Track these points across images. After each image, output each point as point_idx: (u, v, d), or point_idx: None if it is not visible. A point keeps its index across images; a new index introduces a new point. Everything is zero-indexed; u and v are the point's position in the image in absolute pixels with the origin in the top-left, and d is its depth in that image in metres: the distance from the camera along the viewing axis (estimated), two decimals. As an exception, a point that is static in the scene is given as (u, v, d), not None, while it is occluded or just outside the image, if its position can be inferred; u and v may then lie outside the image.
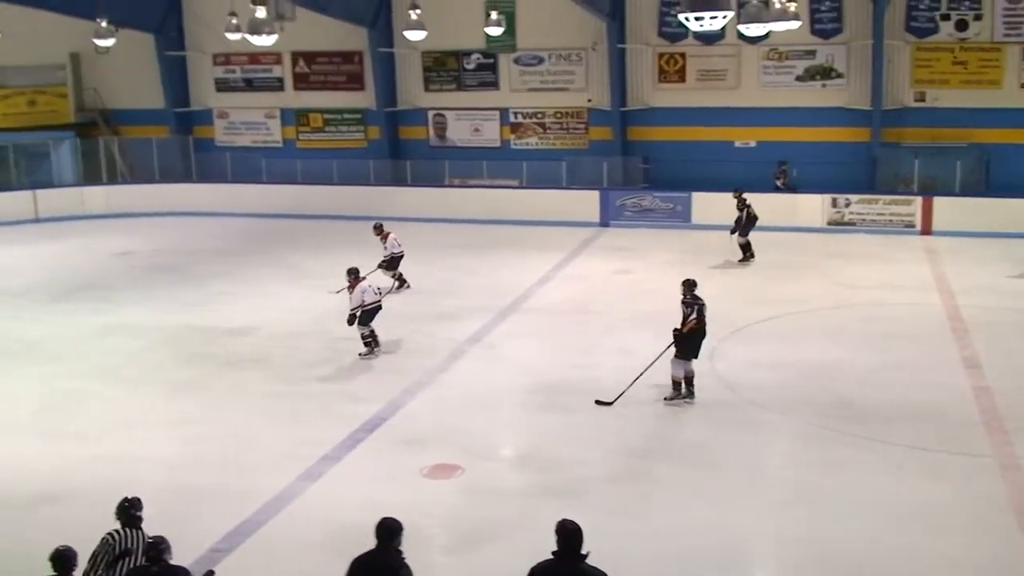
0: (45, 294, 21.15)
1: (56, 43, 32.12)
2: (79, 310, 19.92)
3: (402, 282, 20.98)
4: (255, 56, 31.95)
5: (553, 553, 6.96)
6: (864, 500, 11.09)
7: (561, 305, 19.53)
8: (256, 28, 22.44)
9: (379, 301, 16.71)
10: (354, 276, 16.69)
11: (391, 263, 20.66)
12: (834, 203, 26.45)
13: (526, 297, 20.19)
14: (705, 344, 14.49)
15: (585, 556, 6.89)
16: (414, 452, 12.59)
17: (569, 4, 27.40)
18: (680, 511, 10.99)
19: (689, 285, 14.61)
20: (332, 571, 9.98)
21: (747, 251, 23.05)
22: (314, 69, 32.21)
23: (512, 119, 30.85)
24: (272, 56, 31.84)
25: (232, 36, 26.41)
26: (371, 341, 16.67)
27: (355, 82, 31.94)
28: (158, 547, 7.51)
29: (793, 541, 10.45)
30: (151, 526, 8.29)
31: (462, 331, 17.79)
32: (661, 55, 29.18)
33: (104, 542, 7.92)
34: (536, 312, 19.16)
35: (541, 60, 30.19)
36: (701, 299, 14.49)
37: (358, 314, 16.39)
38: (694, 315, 14.27)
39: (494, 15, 27.19)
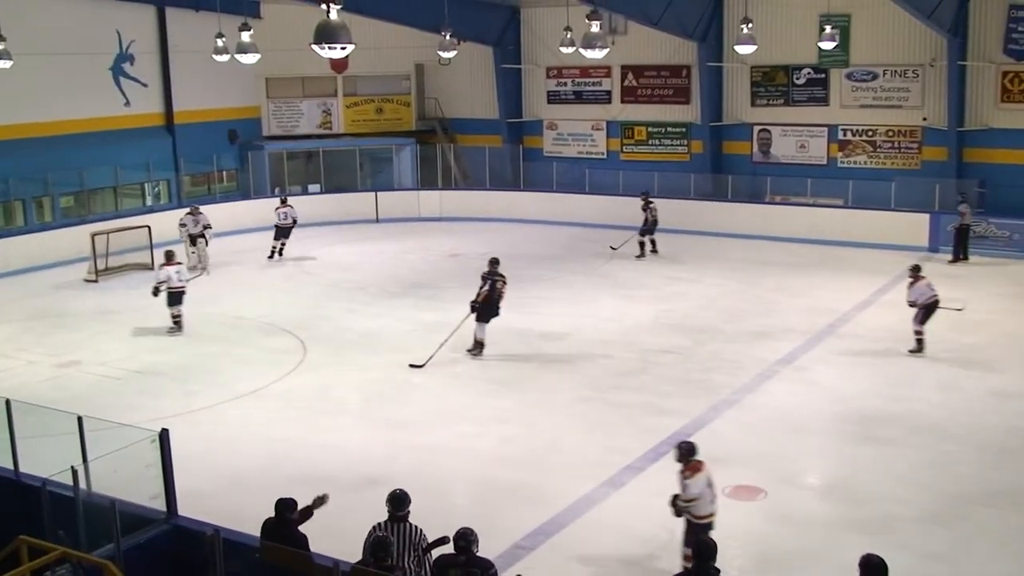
0: (382, 289, 22.75)
1: (403, 55, 34.34)
2: (412, 306, 21.29)
3: (276, 253, 26.41)
4: (586, 70, 32.79)
5: (854, 588, 6.85)
6: None
7: (880, 332, 18.80)
8: (590, 42, 23.11)
9: (183, 287, 19.30)
10: (167, 259, 19.43)
11: (278, 232, 25.39)
12: None
13: (843, 321, 19.60)
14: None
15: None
16: (717, 471, 12.44)
17: (907, 19, 26.27)
18: (998, 563, 10.38)
19: (492, 262, 17.84)
20: (628, 580, 10.27)
21: (644, 248, 25.89)
22: (641, 83, 32.62)
23: (840, 136, 29.94)
24: (602, 69, 32.56)
25: (566, 50, 27.30)
26: (178, 321, 19.32)
27: (681, 96, 32.07)
28: (467, 538, 7.98)
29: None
30: (462, 516, 8.84)
31: (774, 352, 17.55)
32: (1005, 73, 27.32)
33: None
34: (853, 338, 18.56)
35: (875, 76, 29.12)
36: (499, 275, 17.51)
37: (162, 289, 19.12)
38: (486, 288, 17.45)
39: (828, 29, 26.47)
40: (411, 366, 16.95)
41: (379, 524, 8.52)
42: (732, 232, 27.56)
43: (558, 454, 13.36)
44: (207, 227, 25.42)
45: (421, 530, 8.51)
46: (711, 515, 10.02)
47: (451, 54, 28.67)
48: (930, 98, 28.37)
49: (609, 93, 33.25)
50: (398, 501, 8.58)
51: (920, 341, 17.52)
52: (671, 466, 12.79)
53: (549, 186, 32.34)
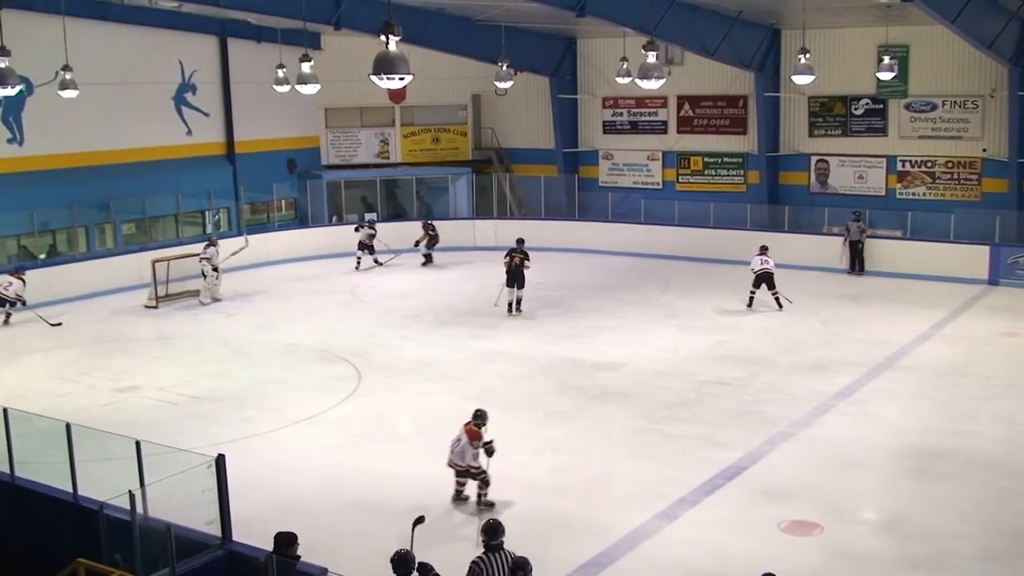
0: (436, 317, 22.85)
1: (460, 85, 34.64)
2: (465, 334, 21.35)
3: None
4: (641, 100, 32.80)
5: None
6: None
7: (939, 365, 18.52)
8: (646, 72, 23.14)
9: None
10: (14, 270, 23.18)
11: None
12: None
13: (902, 354, 19.33)
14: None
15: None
16: (772, 505, 12.46)
17: (967, 48, 25.95)
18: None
19: (517, 241, 23.58)
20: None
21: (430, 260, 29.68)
22: (698, 113, 32.58)
23: (899, 167, 29.65)
24: (658, 100, 32.57)
25: (622, 80, 27.41)
26: None
27: (738, 126, 31.97)
28: (524, 568, 7.99)
29: None
30: (515, 546, 8.83)
31: (831, 384, 17.34)
32: (1062, 103, 26.94)
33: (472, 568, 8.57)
34: (911, 371, 18.29)
35: (934, 106, 28.83)
36: (517, 251, 22.99)
37: None
38: (506, 258, 23.06)
39: (887, 59, 26.27)
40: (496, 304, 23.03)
41: (480, 557, 8.66)
42: (790, 263, 27.27)
43: (611, 485, 13.30)
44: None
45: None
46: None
47: (508, 84, 28.89)
48: (990, 129, 28.02)
49: (665, 123, 33.24)
50: (492, 531, 8.75)
51: (751, 299, 23.21)
52: (726, 499, 12.76)
53: (604, 216, 32.34)
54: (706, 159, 32.72)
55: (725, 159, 32.42)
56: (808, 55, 24.49)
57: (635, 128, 33.84)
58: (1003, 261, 25.69)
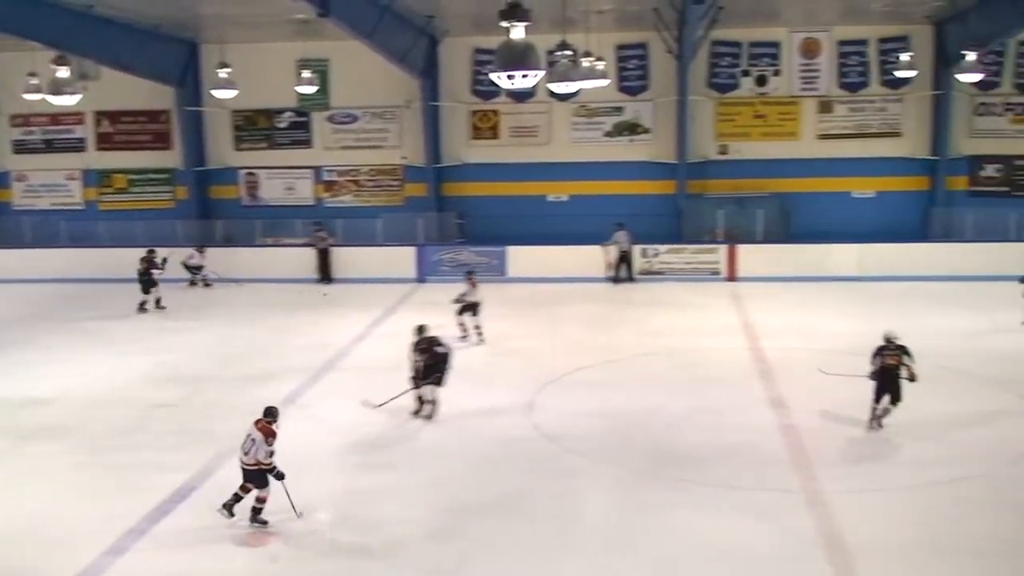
0: None
1: None
2: None
3: None
4: (56, 116, 30.81)
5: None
6: (681, 541, 11.38)
7: (377, 362, 19.33)
8: (57, 88, 21.67)
9: None
10: None
11: None
12: (644, 253, 27.27)
13: (342, 355, 19.97)
14: (522, 396, 14.74)
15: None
16: (228, 520, 12.18)
17: (383, 63, 27.50)
18: (499, 566, 11.00)
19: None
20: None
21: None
22: (118, 129, 31.32)
23: (326, 177, 30.69)
24: (74, 116, 30.80)
25: (32, 97, 25.40)
26: None
27: (162, 141, 31.20)
28: None
29: (610, 588, 10.57)
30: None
31: (277, 392, 17.33)
32: (474, 112, 29.65)
33: None
34: (352, 371, 18.96)
35: (355, 118, 30.22)
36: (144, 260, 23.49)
37: None
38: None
39: (307, 74, 27.04)
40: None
41: None
42: (234, 277, 27.04)
43: (52, 528, 12.18)
44: None
45: None
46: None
47: None
48: (408, 137, 29.98)
49: (83, 140, 31.58)
50: None
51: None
52: (178, 522, 12.24)
53: (22, 241, 29.98)
54: (131, 176, 31.58)
55: (151, 175, 31.47)
56: (228, 69, 24.51)
57: (51, 147, 31.78)
58: (428, 260, 27.60)
